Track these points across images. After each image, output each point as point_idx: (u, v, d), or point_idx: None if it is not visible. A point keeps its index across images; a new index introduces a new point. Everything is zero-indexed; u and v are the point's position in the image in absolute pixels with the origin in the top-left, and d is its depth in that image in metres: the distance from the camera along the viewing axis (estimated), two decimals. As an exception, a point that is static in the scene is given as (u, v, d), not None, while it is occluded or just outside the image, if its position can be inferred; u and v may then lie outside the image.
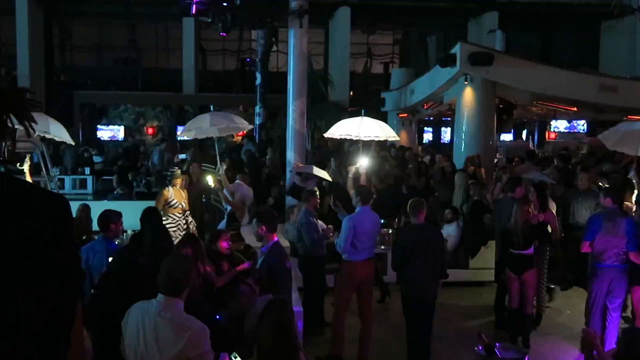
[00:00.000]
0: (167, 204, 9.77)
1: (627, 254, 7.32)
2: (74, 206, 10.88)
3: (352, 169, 10.43)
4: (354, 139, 10.92)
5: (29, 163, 9.20)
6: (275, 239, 5.96)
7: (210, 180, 10.40)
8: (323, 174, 10.89)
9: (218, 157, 10.82)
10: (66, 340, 1.96)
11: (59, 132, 10.27)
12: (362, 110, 10.87)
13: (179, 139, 11.76)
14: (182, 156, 10.80)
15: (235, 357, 4.04)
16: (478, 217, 10.42)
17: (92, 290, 5.94)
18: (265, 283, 5.45)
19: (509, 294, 8.12)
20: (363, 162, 10.42)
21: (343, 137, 11.24)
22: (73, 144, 12.12)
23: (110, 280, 5.57)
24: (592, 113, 16.02)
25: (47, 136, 10.24)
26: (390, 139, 12.36)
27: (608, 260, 7.41)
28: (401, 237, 7.50)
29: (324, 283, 8.76)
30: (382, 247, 10.16)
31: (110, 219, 6.80)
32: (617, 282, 7.44)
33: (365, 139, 10.61)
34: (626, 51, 23.43)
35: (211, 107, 11.27)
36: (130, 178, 15.83)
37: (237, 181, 10.79)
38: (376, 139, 11.17)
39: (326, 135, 11.67)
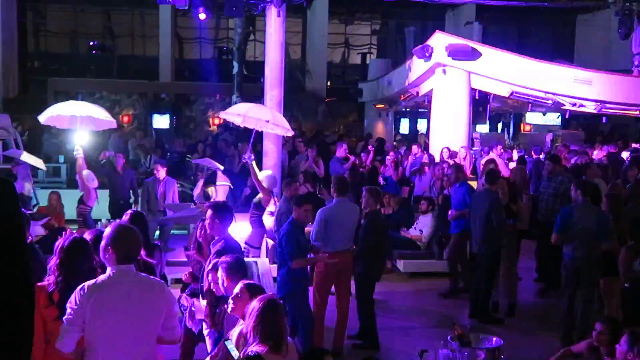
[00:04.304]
0: None
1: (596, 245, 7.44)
2: (47, 194, 10.80)
3: None
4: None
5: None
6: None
7: None
8: (34, 161, 10.86)
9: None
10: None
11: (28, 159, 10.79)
12: None
13: None
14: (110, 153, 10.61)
15: (231, 345, 4.01)
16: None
17: None
18: None
19: None
20: None
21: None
22: (44, 169, 12.73)
23: None
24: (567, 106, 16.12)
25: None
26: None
27: (577, 251, 7.52)
28: (374, 224, 7.52)
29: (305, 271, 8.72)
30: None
31: None
32: (587, 272, 7.55)
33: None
34: (601, 44, 23.65)
35: None
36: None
37: None
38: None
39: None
